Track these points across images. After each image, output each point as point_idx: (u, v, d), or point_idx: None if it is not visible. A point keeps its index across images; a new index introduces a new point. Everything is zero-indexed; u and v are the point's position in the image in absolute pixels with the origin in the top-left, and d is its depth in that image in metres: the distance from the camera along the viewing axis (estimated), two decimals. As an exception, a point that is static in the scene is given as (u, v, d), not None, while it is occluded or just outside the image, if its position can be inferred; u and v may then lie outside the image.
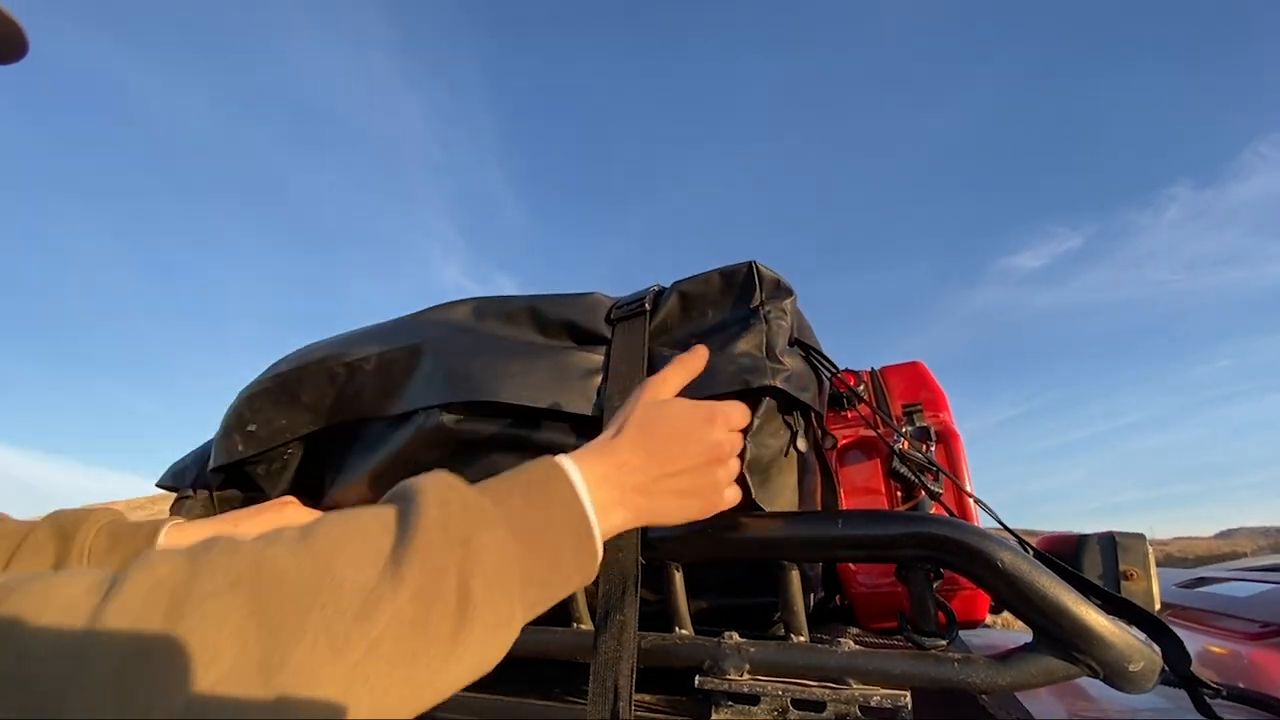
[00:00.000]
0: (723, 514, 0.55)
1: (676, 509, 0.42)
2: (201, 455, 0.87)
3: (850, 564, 0.69)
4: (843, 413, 0.79)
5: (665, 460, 0.41)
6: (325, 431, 0.73)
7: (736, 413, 0.45)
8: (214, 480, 0.79)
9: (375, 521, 0.30)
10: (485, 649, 0.31)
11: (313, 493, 0.77)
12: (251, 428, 0.73)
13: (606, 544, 0.39)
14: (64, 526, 0.60)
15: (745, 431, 0.46)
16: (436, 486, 0.32)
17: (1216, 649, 0.76)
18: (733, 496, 0.45)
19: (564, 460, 0.38)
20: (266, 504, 0.70)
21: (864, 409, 0.77)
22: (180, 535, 0.65)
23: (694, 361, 0.49)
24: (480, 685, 0.34)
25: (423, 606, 0.28)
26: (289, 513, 0.69)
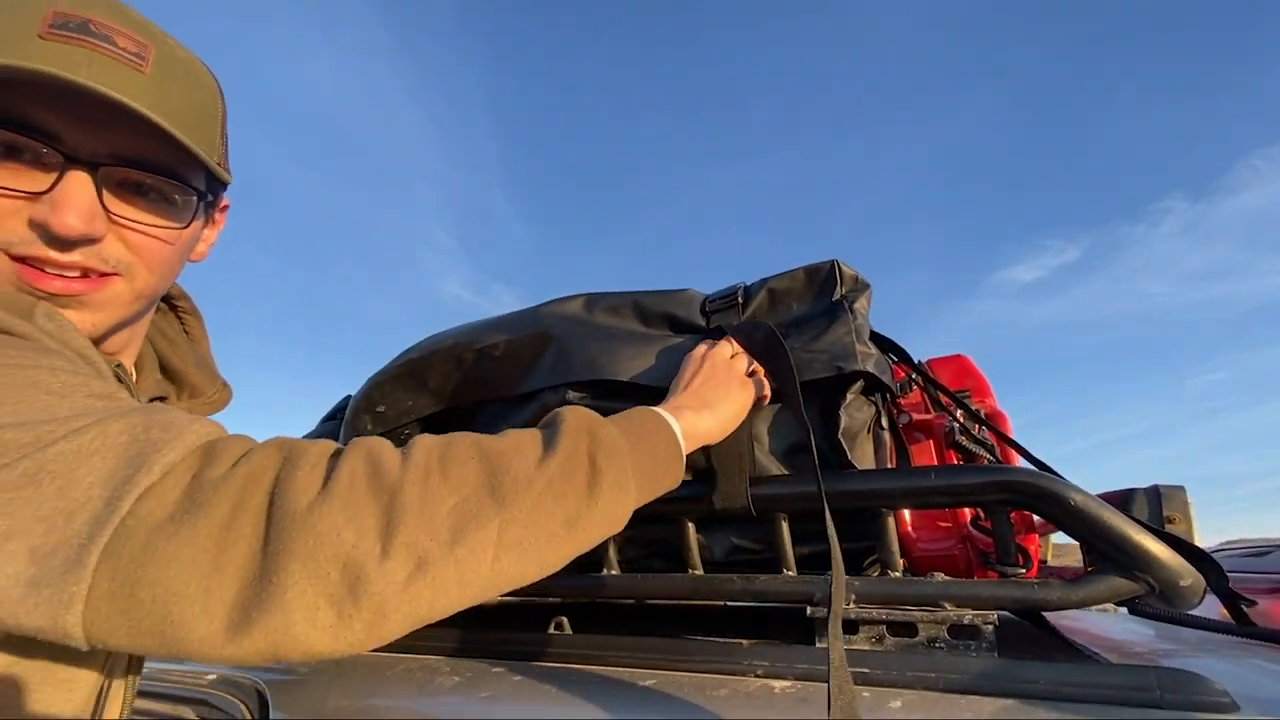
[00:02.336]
0: (828, 471, 0.64)
1: (723, 405, 0.60)
2: (319, 437, 0.96)
3: (910, 529, 0.78)
4: (897, 399, 0.89)
5: (694, 385, 0.61)
6: (444, 412, 0.82)
7: (707, 345, 0.66)
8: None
9: (533, 431, 0.47)
10: (611, 505, 0.44)
11: (426, 468, 0.86)
12: (380, 409, 0.82)
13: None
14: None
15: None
16: (570, 409, 0.49)
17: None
18: (751, 390, 0.63)
19: (663, 411, 0.56)
20: None
21: (921, 394, 0.87)
22: None
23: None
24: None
25: (569, 467, 0.43)
26: None
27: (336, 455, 0.39)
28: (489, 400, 0.79)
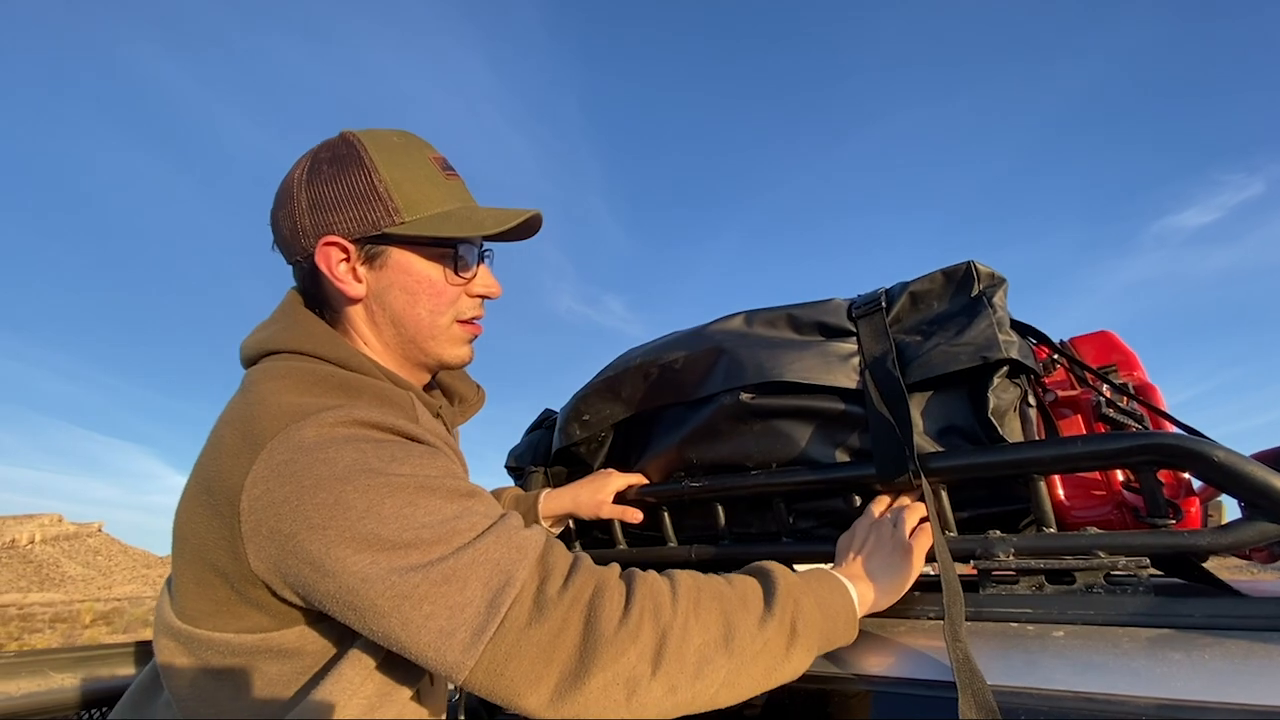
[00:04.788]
0: (981, 444, 0.74)
1: (888, 578, 0.68)
2: (530, 443, 1.19)
3: (1064, 499, 0.85)
4: (1040, 379, 0.95)
5: (864, 555, 0.70)
6: (634, 417, 1.01)
7: (878, 508, 0.74)
8: (551, 459, 1.10)
9: (755, 587, 0.61)
10: (798, 663, 0.59)
11: (620, 462, 1.05)
12: (586, 418, 1.02)
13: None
14: (494, 497, 0.96)
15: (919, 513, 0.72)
16: (779, 571, 0.62)
17: None
18: (915, 558, 0.69)
19: (834, 571, 0.68)
20: (597, 474, 1.00)
21: (1066, 371, 0.93)
22: (553, 500, 0.96)
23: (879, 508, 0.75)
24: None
25: (779, 631, 0.58)
26: (613, 479, 0.98)
27: (629, 583, 0.55)
28: (671, 405, 0.97)
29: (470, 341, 0.75)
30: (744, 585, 0.60)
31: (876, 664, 0.63)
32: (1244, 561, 0.96)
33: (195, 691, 0.57)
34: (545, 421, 1.22)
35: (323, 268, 0.65)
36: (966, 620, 0.67)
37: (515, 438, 1.27)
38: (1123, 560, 0.62)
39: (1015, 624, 0.64)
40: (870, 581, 0.68)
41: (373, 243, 0.66)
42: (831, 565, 0.72)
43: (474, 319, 0.74)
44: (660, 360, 0.95)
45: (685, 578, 0.58)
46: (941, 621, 0.68)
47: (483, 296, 0.74)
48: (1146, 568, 0.61)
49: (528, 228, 0.74)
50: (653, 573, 0.58)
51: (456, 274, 0.70)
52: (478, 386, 0.86)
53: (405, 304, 0.68)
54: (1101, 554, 0.63)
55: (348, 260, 0.66)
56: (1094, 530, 0.65)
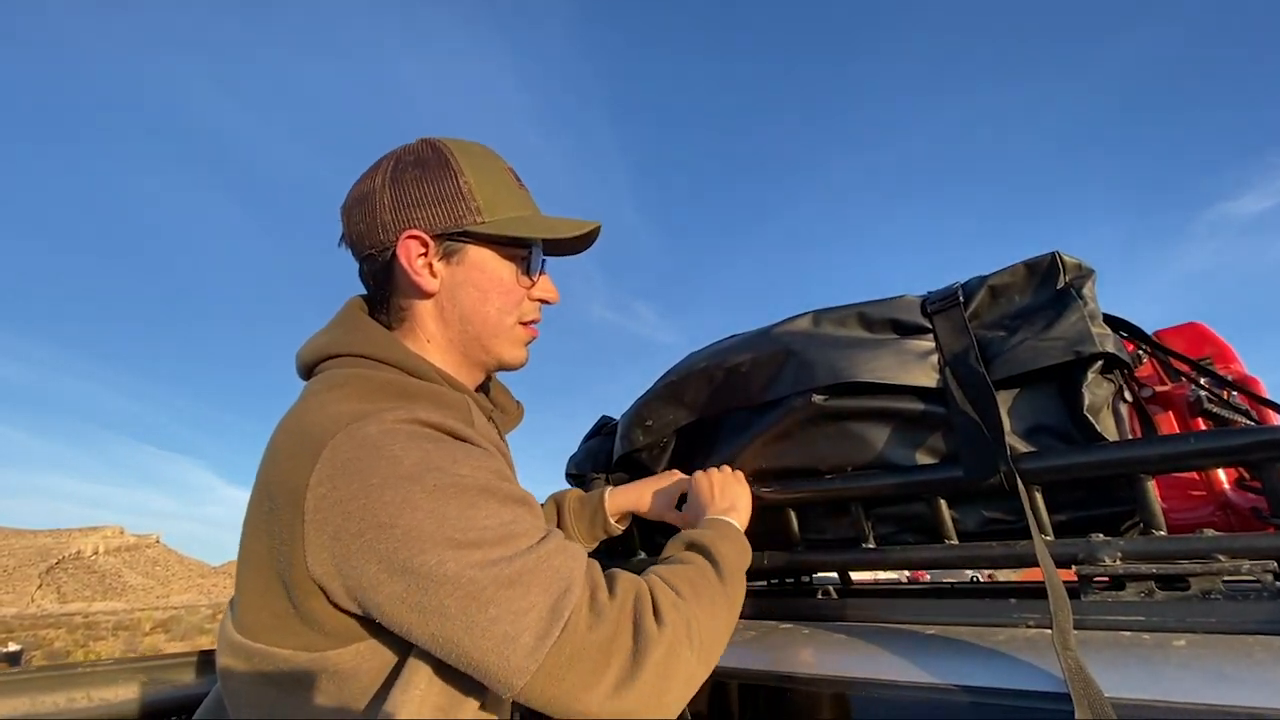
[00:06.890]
0: (1078, 443, 0.71)
1: (744, 503, 0.84)
2: (589, 451, 1.19)
3: (1161, 499, 0.80)
4: (1134, 373, 0.91)
5: (719, 492, 0.84)
6: (698, 422, 0.99)
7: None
8: (614, 465, 1.09)
9: (711, 571, 0.67)
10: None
11: (683, 467, 1.03)
12: (649, 423, 1.02)
13: None
14: (557, 500, 0.98)
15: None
16: (708, 542, 0.70)
17: None
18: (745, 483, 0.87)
19: (713, 516, 0.78)
20: (662, 474, 0.99)
21: (1153, 366, 0.88)
22: (619, 496, 0.96)
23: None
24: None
25: (732, 601, 0.67)
26: (676, 480, 0.96)
27: (652, 588, 0.59)
28: (736, 409, 0.95)
29: (527, 344, 0.76)
30: (695, 560, 0.68)
31: (980, 674, 0.60)
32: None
33: (251, 706, 0.57)
34: (603, 428, 1.21)
35: (402, 260, 0.66)
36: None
37: (552, 446, 1.27)
38: (1246, 564, 0.58)
39: (1127, 633, 0.61)
40: (733, 511, 0.80)
41: (453, 239, 0.67)
42: (683, 507, 0.88)
43: (533, 322, 0.76)
44: (725, 364, 0.94)
45: (668, 576, 0.63)
46: (1042, 630, 0.65)
47: (543, 301, 0.76)
48: (1273, 572, 0.57)
49: (587, 240, 0.76)
50: (652, 576, 0.63)
51: (525, 275, 0.72)
52: (518, 402, 0.85)
53: (476, 301, 0.70)
54: (1222, 558, 0.59)
55: (426, 255, 0.67)
56: (1210, 532, 0.61)
